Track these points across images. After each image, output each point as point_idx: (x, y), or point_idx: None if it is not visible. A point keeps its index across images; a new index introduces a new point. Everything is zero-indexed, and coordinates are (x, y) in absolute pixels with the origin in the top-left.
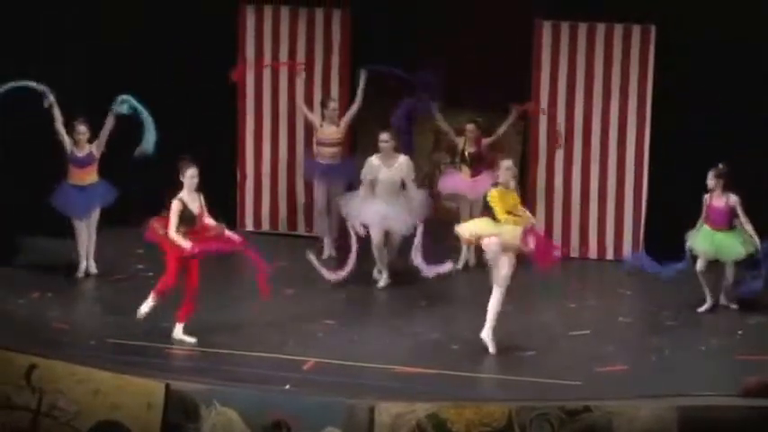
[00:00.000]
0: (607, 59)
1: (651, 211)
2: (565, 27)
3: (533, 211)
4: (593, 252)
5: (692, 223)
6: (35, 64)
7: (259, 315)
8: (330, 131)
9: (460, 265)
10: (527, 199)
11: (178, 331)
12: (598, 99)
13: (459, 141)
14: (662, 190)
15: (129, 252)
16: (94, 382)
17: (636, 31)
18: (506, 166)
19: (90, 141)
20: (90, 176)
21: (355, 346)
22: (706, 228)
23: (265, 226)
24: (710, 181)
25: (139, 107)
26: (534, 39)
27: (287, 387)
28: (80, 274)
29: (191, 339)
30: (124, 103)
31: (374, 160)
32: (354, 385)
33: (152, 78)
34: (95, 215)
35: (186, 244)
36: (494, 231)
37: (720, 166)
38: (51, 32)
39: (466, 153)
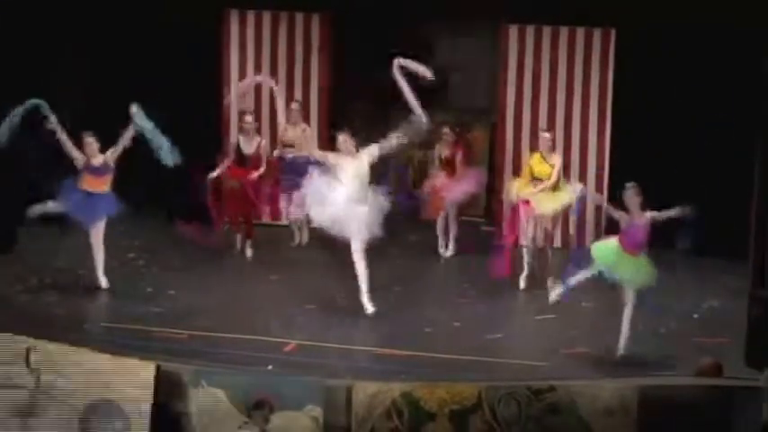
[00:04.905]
0: (570, 61)
1: None
2: (530, 30)
3: (500, 206)
4: (557, 241)
5: None
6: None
7: (244, 300)
8: (292, 135)
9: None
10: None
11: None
12: (561, 99)
13: (437, 146)
14: (621, 186)
15: (121, 242)
16: (89, 363)
17: (597, 34)
18: (546, 137)
19: (101, 151)
20: (103, 185)
21: (334, 330)
22: (620, 251)
23: None
24: (632, 200)
25: (144, 126)
26: (501, 41)
27: (269, 368)
28: None
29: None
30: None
31: None
32: (333, 366)
33: (139, 80)
34: (101, 226)
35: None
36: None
37: (634, 183)
38: (41, 39)
39: (442, 156)
